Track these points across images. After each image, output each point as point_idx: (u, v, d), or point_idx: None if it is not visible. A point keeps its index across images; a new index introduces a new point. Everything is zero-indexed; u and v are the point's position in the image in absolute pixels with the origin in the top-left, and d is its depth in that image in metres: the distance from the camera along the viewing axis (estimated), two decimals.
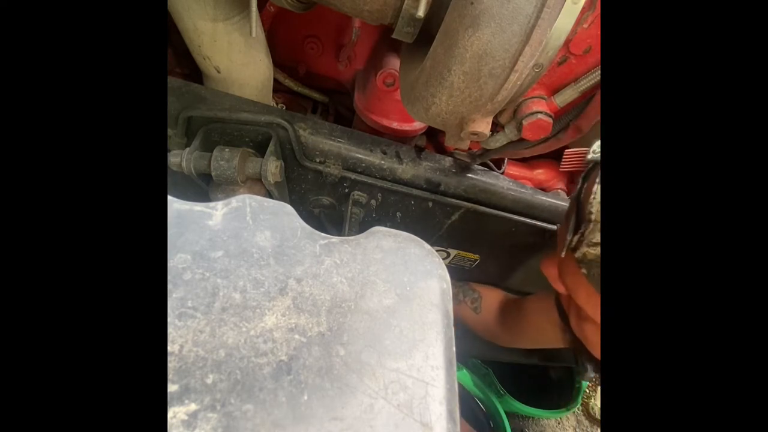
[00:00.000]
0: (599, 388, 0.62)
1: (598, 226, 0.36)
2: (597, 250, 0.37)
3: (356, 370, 0.28)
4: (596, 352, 0.47)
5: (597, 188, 0.37)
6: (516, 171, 0.80)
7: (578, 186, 0.41)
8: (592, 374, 0.62)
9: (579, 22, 0.38)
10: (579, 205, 0.40)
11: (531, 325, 0.72)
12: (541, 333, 0.69)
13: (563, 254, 0.41)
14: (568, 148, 0.63)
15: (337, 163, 0.59)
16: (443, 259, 0.76)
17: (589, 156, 0.42)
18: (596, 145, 0.42)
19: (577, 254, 0.39)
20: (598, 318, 0.41)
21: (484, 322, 0.80)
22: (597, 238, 0.37)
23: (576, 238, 0.39)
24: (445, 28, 0.35)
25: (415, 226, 0.68)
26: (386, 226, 0.39)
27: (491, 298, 0.81)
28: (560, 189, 0.82)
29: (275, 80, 0.64)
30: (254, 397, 0.26)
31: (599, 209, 0.36)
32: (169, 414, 0.24)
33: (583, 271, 0.39)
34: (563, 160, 0.71)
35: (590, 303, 0.41)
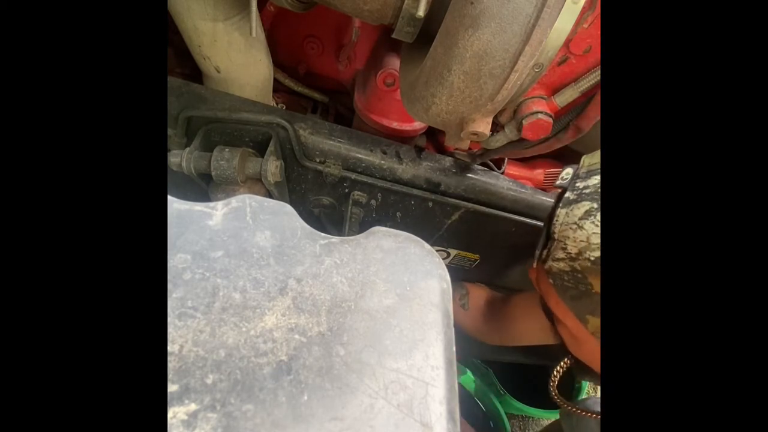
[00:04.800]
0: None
1: (560, 245, 0.42)
2: (560, 265, 0.42)
3: (356, 370, 0.28)
4: (574, 351, 0.51)
5: (559, 211, 0.42)
6: (516, 171, 0.80)
7: (552, 207, 0.46)
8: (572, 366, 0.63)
9: (579, 21, 0.38)
10: (549, 223, 0.44)
11: (516, 322, 0.73)
12: (526, 330, 0.71)
13: (535, 264, 0.46)
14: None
15: (337, 163, 0.59)
16: (443, 259, 0.76)
17: (557, 182, 0.47)
18: (565, 172, 0.46)
19: (546, 266, 0.44)
20: (566, 321, 0.46)
21: (472, 318, 0.81)
22: (559, 254, 0.42)
23: (544, 252, 0.44)
24: (445, 28, 0.35)
25: (415, 226, 0.68)
26: (386, 226, 0.39)
27: (478, 295, 0.82)
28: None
29: (275, 80, 0.64)
30: (254, 397, 0.26)
31: (561, 230, 0.42)
32: (169, 414, 0.24)
33: (550, 281, 0.44)
34: (545, 179, 0.73)
35: (559, 308, 0.46)
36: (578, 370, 0.60)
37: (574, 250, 0.40)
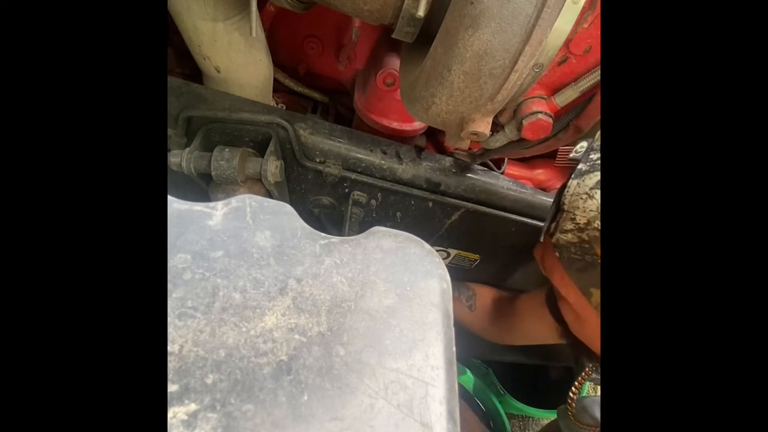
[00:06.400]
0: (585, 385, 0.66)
1: (569, 215, 0.41)
2: (567, 237, 0.42)
3: (356, 370, 0.28)
4: (576, 332, 0.51)
5: (571, 182, 0.42)
6: (516, 171, 0.80)
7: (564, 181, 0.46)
8: (593, 374, 0.63)
9: (579, 21, 0.38)
10: (559, 195, 0.44)
11: (523, 322, 0.73)
12: (533, 329, 0.72)
13: (542, 239, 0.46)
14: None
15: (337, 163, 0.59)
16: (443, 259, 0.76)
17: (571, 155, 0.45)
18: (579, 146, 0.46)
19: (553, 239, 0.44)
20: (569, 297, 0.46)
21: (479, 319, 0.81)
22: (568, 226, 0.41)
23: (553, 225, 0.44)
24: (445, 28, 0.35)
25: (415, 226, 0.68)
26: (386, 226, 0.39)
27: (485, 295, 0.82)
28: None
29: (275, 80, 0.64)
30: (254, 397, 0.26)
31: (571, 201, 0.41)
32: (169, 414, 0.24)
33: (557, 254, 0.43)
34: (558, 156, 0.73)
35: (563, 284, 0.46)
36: (581, 368, 0.60)
37: (582, 220, 0.40)
